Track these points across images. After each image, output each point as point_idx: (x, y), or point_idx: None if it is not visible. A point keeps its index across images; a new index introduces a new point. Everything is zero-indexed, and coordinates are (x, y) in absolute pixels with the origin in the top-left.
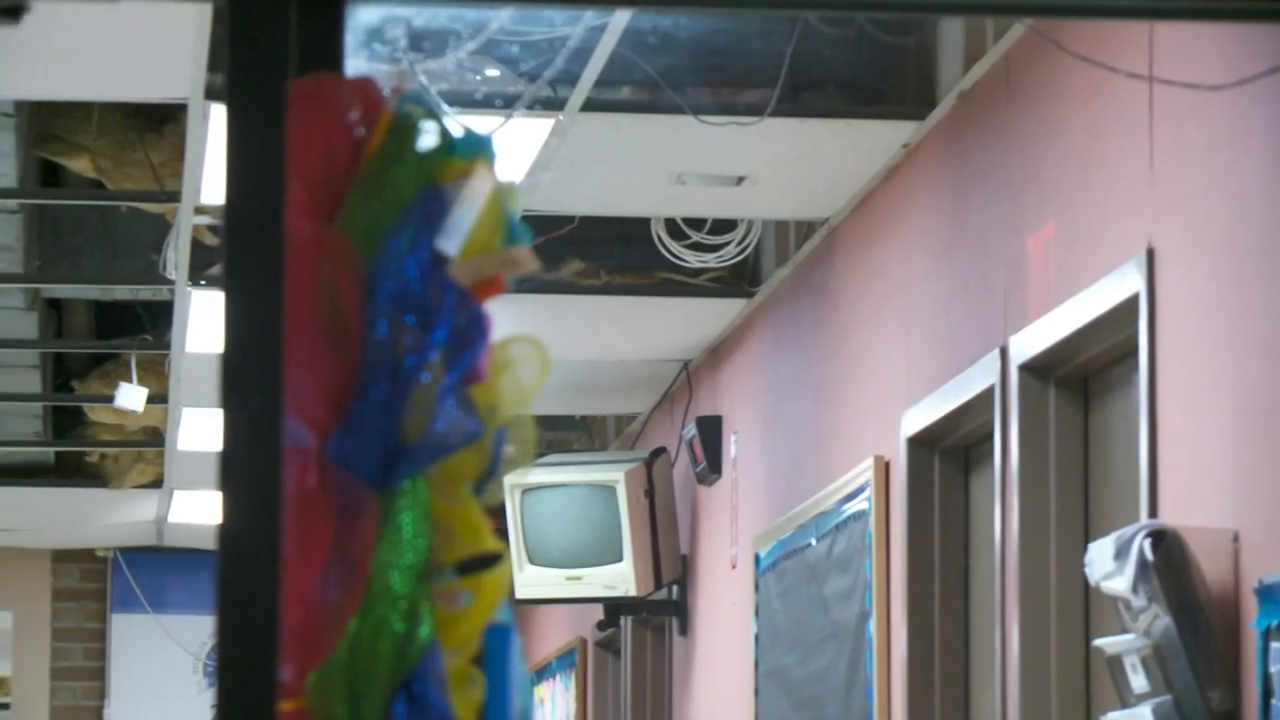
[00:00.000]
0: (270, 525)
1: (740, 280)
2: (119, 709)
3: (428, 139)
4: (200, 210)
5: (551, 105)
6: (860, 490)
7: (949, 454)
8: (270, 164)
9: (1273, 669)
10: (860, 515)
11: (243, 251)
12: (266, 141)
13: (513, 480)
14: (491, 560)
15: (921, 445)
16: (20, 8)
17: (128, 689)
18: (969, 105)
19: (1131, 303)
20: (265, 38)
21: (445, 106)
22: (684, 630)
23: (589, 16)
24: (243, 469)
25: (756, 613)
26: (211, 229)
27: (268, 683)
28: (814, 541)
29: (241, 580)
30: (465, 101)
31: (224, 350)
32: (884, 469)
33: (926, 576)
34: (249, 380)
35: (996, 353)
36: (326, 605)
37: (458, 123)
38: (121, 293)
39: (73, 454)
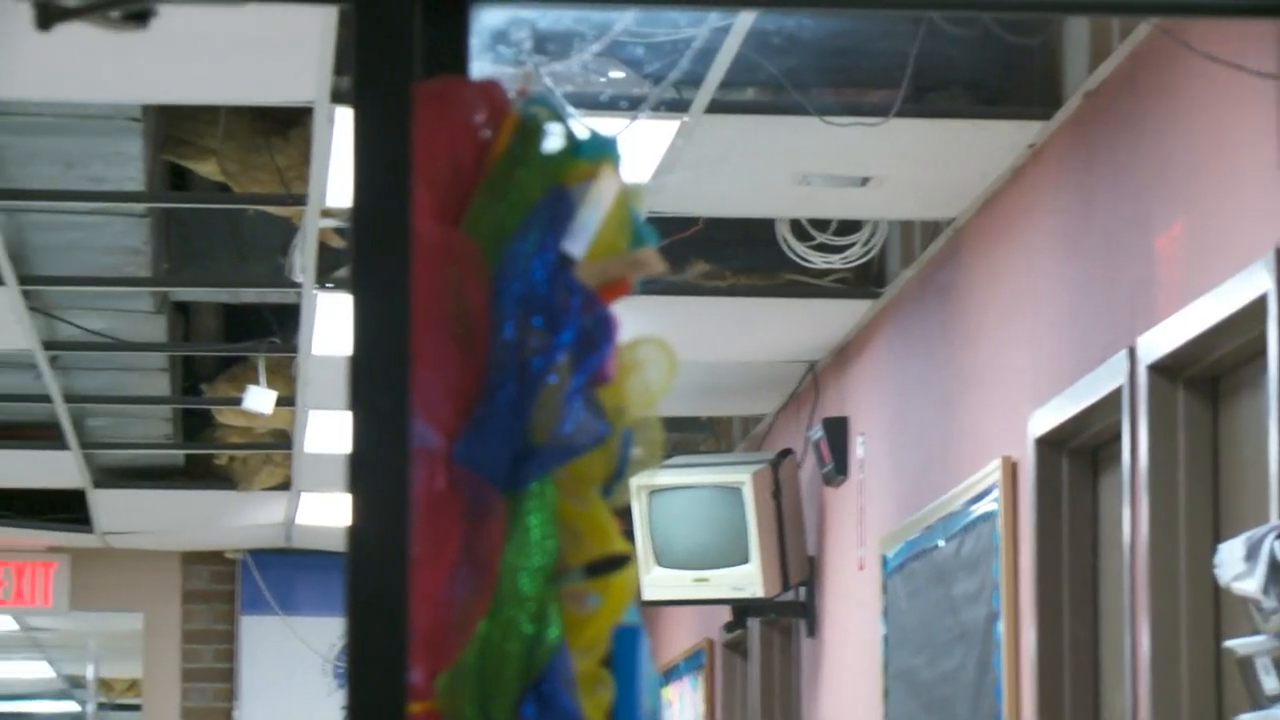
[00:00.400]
0: (399, 527)
1: (866, 281)
2: (249, 710)
3: (553, 141)
4: (326, 213)
5: (676, 107)
6: (988, 491)
7: (1077, 455)
8: (397, 167)
9: None
10: (988, 516)
11: (370, 254)
12: (393, 144)
13: (640, 482)
14: (620, 562)
15: (1049, 446)
16: (147, 12)
17: (257, 690)
18: (1095, 105)
19: (1260, 302)
20: (391, 41)
21: (570, 109)
22: (812, 632)
23: (713, 18)
24: (371, 471)
25: (885, 614)
26: (337, 232)
27: (398, 684)
28: (942, 543)
29: (371, 582)
30: (590, 103)
31: (352, 353)
32: (1012, 470)
33: (1055, 577)
34: (377, 383)
35: (1125, 353)
36: (455, 607)
37: (583, 125)
38: (249, 296)
39: (202, 457)
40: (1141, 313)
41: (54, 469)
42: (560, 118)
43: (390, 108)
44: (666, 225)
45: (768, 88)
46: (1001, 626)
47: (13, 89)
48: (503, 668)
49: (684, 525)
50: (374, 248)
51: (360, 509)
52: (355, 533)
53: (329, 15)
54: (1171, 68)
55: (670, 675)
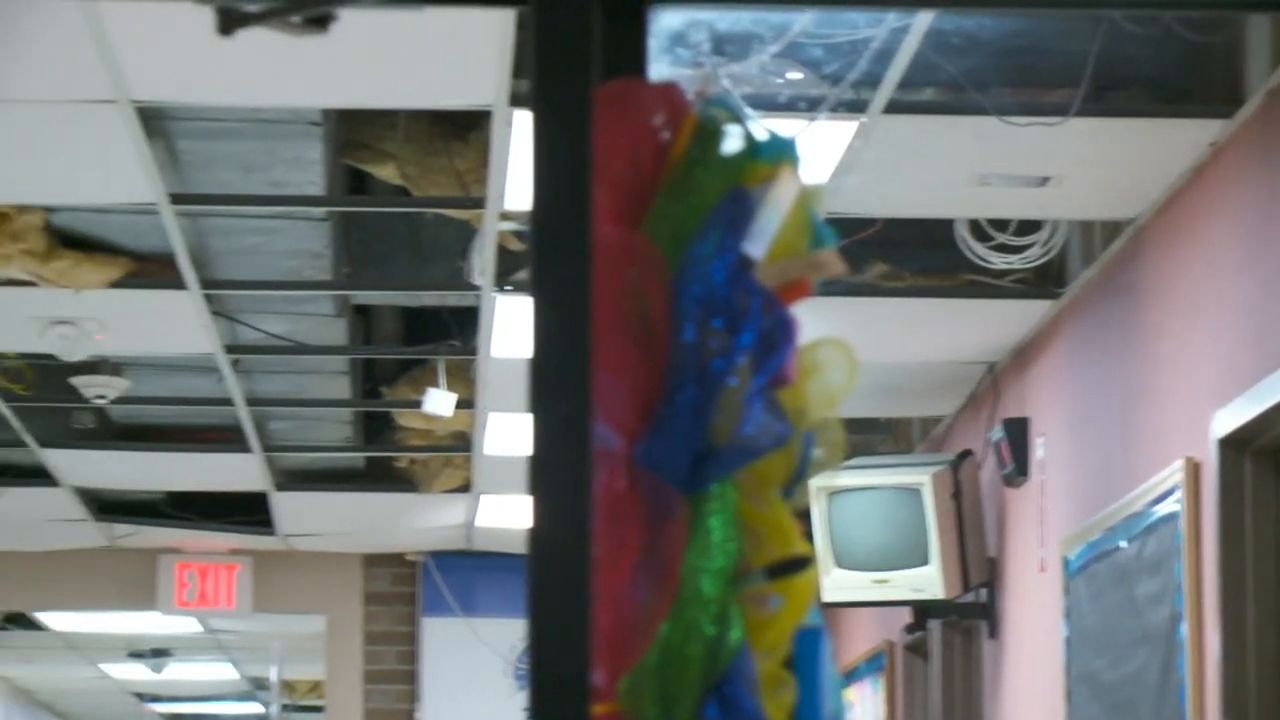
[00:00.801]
0: (580, 529)
1: (1046, 281)
2: (431, 711)
3: (732, 143)
4: (505, 216)
5: (855, 108)
6: (1170, 492)
7: (1261, 455)
8: (577, 169)
9: None
10: (1170, 517)
11: (550, 257)
12: (573, 147)
13: (819, 483)
14: (801, 563)
15: (1233, 447)
16: (327, 17)
17: (439, 692)
18: (1278, 103)
19: None
20: (570, 43)
21: (749, 110)
22: (993, 633)
23: (892, 18)
24: (552, 473)
25: (1067, 616)
26: (517, 235)
27: (581, 686)
28: (1124, 544)
29: (553, 584)
30: (769, 105)
31: (532, 355)
32: (1194, 471)
33: (1239, 579)
34: (558, 385)
35: None
36: (637, 609)
37: (762, 126)
38: (429, 298)
39: (382, 459)
40: None
41: (236, 472)
42: (739, 119)
43: (570, 110)
44: (845, 226)
45: (946, 88)
46: (1185, 628)
47: (194, 94)
48: (685, 669)
49: (864, 527)
50: (554, 250)
51: (542, 511)
52: (537, 535)
53: (507, 18)
54: None
55: (851, 677)
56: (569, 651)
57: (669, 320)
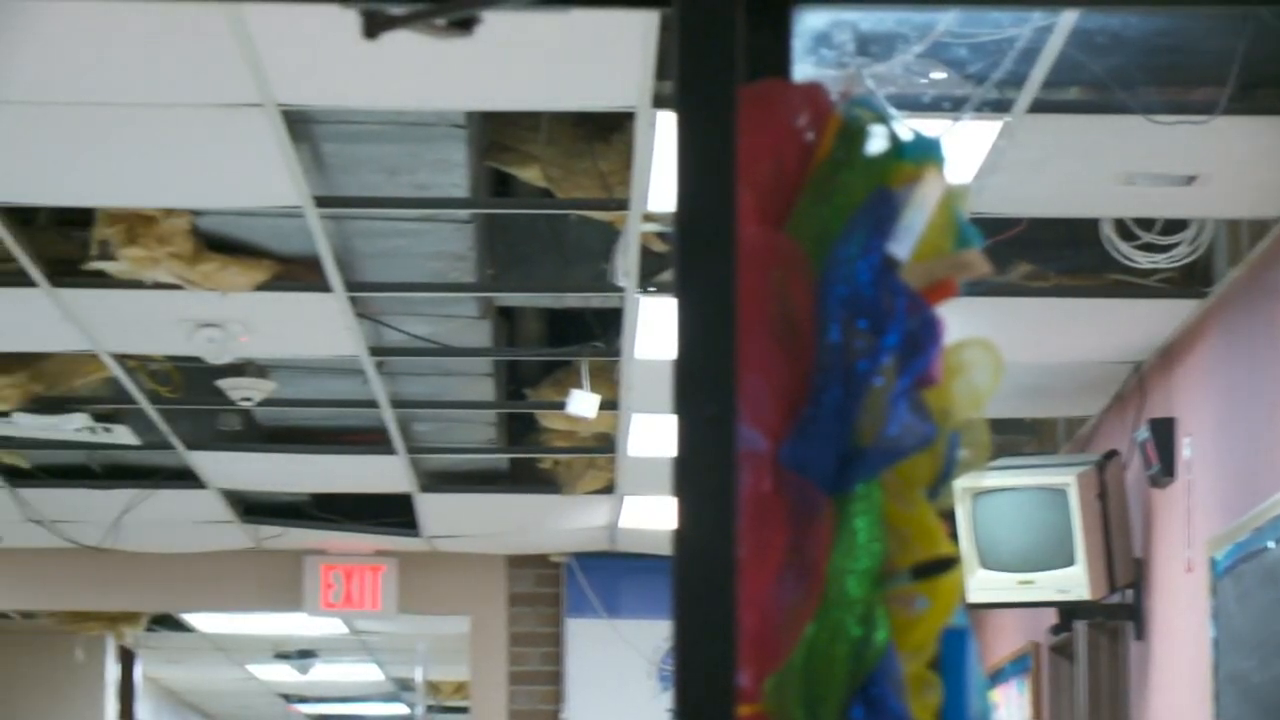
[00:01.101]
0: (726, 531)
1: (1192, 280)
2: (575, 712)
3: (877, 143)
4: (648, 217)
5: (999, 107)
6: None
7: None
8: (721, 170)
9: None
10: None
11: (694, 258)
12: (717, 148)
13: (964, 484)
14: (947, 564)
15: None
16: (472, 19)
17: (583, 693)
18: None
19: None
20: (714, 44)
21: (893, 110)
22: (1140, 634)
23: (1037, 17)
24: (697, 475)
25: (1214, 617)
26: (660, 236)
27: (726, 687)
28: (1272, 544)
29: (698, 585)
30: (913, 105)
31: (677, 356)
32: None
33: None
34: (703, 386)
35: None
36: (783, 610)
37: (906, 126)
38: (572, 300)
39: (526, 461)
40: None
41: (381, 473)
42: (884, 120)
43: (714, 111)
44: (990, 226)
45: (1091, 87)
46: None
47: (338, 97)
48: (830, 670)
49: (1009, 527)
50: (699, 251)
51: (686, 512)
52: (681, 536)
53: (650, 20)
54: None
55: (996, 678)
56: (714, 653)
57: (814, 321)
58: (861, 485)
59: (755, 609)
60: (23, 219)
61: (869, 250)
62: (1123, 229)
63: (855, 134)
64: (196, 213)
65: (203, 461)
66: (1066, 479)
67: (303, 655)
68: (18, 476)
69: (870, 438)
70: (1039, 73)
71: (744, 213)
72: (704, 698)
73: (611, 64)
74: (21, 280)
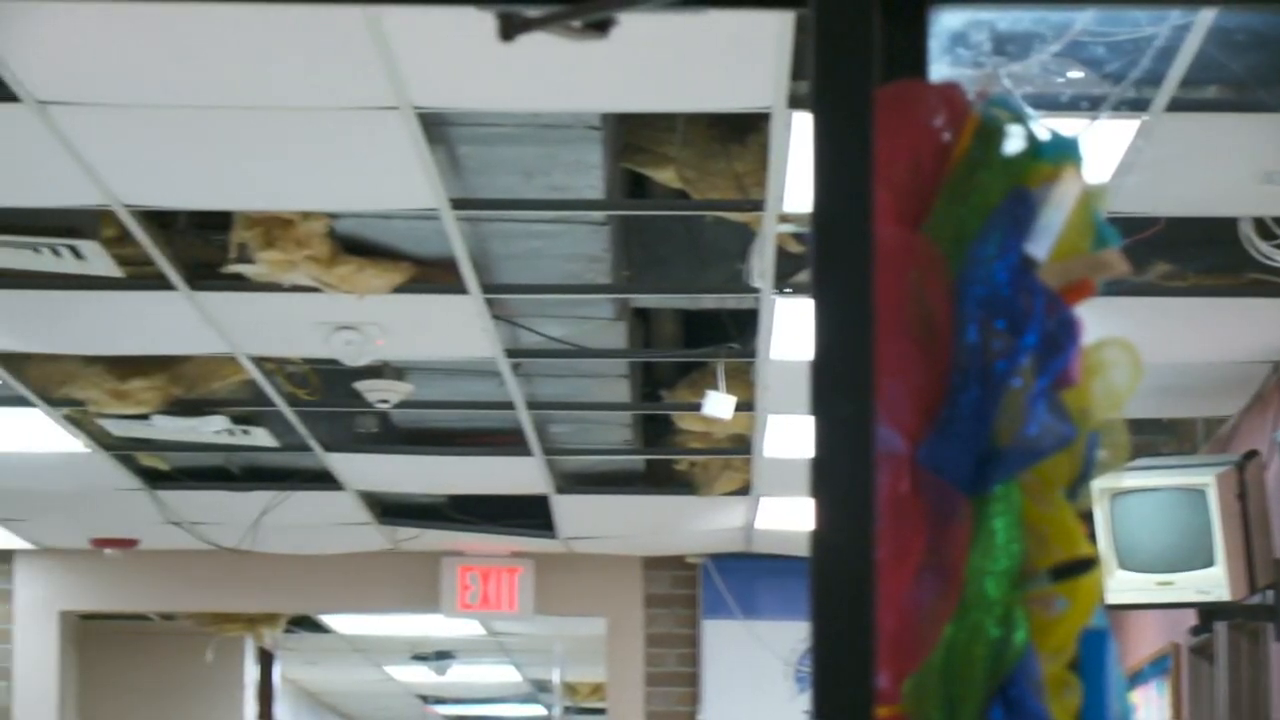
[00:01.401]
0: (863, 531)
1: None
2: (712, 714)
3: (1014, 143)
4: (784, 218)
5: (1137, 106)
6: None
7: None
8: (858, 171)
9: None
10: None
11: (831, 259)
12: (854, 148)
13: (1102, 484)
14: (1086, 565)
15: None
16: (608, 21)
17: (720, 694)
18: None
19: None
20: (850, 45)
21: (1030, 110)
22: None
23: (1174, 15)
24: (835, 476)
25: None
26: (796, 237)
27: (865, 688)
28: None
29: (836, 586)
30: (1049, 104)
31: (814, 357)
32: None
33: None
34: (840, 387)
35: None
36: (921, 611)
37: (1044, 126)
38: (707, 301)
39: (662, 462)
40: None
41: (517, 475)
42: (1021, 119)
43: (850, 112)
44: (1127, 226)
45: (1230, 85)
46: None
47: (475, 100)
48: (969, 671)
49: (1147, 528)
50: (835, 252)
51: (824, 513)
52: (819, 537)
53: (786, 20)
54: None
55: (1135, 680)
56: (853, 654)
57: (951, 321)
58: (1000, 486)
59: (894, 610)
60: (162, 223)
61: (1006, 250)
62: (1261, 228)
63: (992, 134)
64: (333, 215)
65: (340, 463)
66: (1206, 479)
67: (440, 656)
68: (157, 479)
69: (1008, 438)
70: (1177, 71)
71: (881, 213)
72: (843, 699)
73: (747, 65)
74: (161, 283)
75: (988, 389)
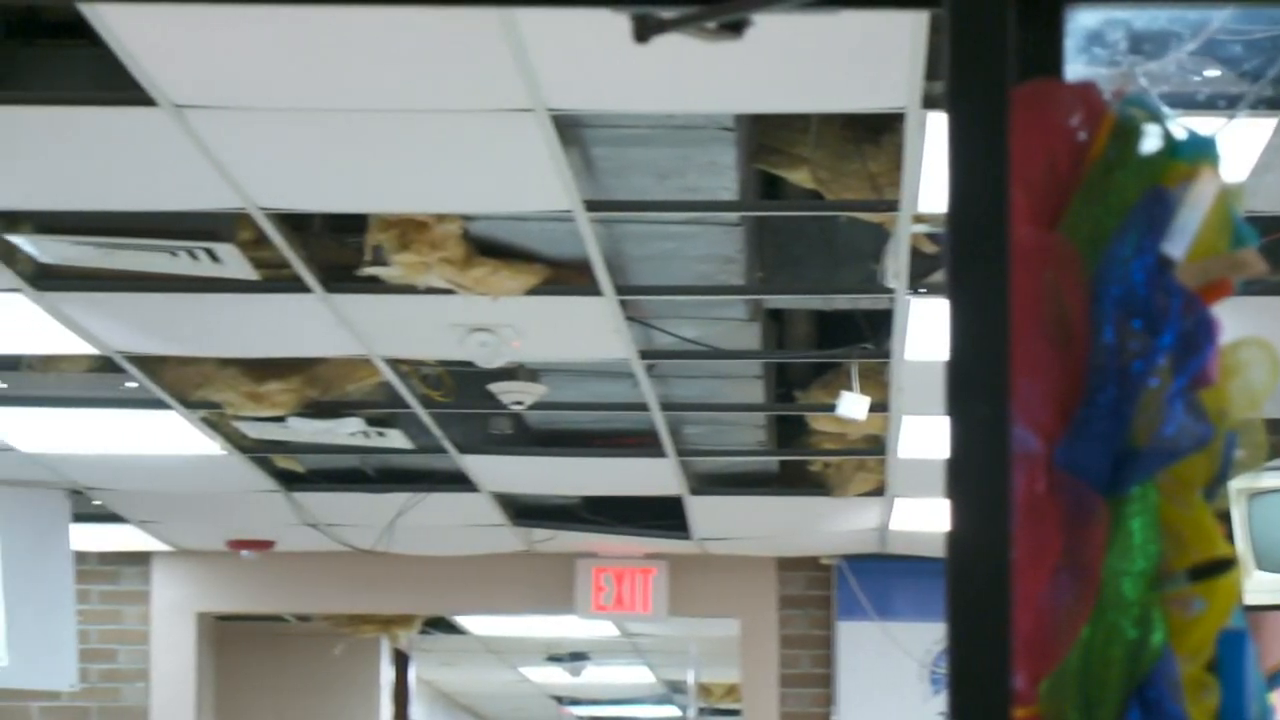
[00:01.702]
0: (1000, 532)
1: None
2: (846, 715)
3: (1151, 142)
4: (918, 219)
5: (1274, 104)
6: None
7: None
8: (993, 171)
9: None
10: None
11: (967, 259)
12: (989, 149)
13: (1240, 485)
14: (1224, 565)
15: None
16: (743, 22)
17: (854, 695)
18: None
19: None
20: (985, 45)
21: (1167, 109)
22: None
23: None
24: (971, 476)
25: None
26: (930, 237)
27: (1002, 689)
28: None
29: (972, 587)
30: (1186, 103)
31: (949, 358)
32: None
33: None
34: (976, 387)
35: None
36: (1058, 612)
37: (1180, 125)
38: (841, 302)
39: (796, 463)
40: None
41: (651, 476)
42: (1158, 118)
43: (986, 112)
44: (1265, 225)
45: None
46: None
47: (609, 101)
48: (1106, 673)
49: None
50: (971, 252)
51: (960, 514)
52: (955, 538)
53: (920, 20)
54: None
55: (1274, 681)
56: (989, 655)
57: (1087, 321)
58: (1137, 486)
59: (1030, 611)
60: (298, 225)
61: (1143, 250)
62: None
63: (1129, 133)
64: (468, 218)
65: (475, 465)
66: None
67: (575, 657)
68: (293, 480)
69: (1145, 438)
70: None
71: (1017, 213)
72: (979, 700)
73: (881, 65)
74: (297, 286)
75: (1124, 389)
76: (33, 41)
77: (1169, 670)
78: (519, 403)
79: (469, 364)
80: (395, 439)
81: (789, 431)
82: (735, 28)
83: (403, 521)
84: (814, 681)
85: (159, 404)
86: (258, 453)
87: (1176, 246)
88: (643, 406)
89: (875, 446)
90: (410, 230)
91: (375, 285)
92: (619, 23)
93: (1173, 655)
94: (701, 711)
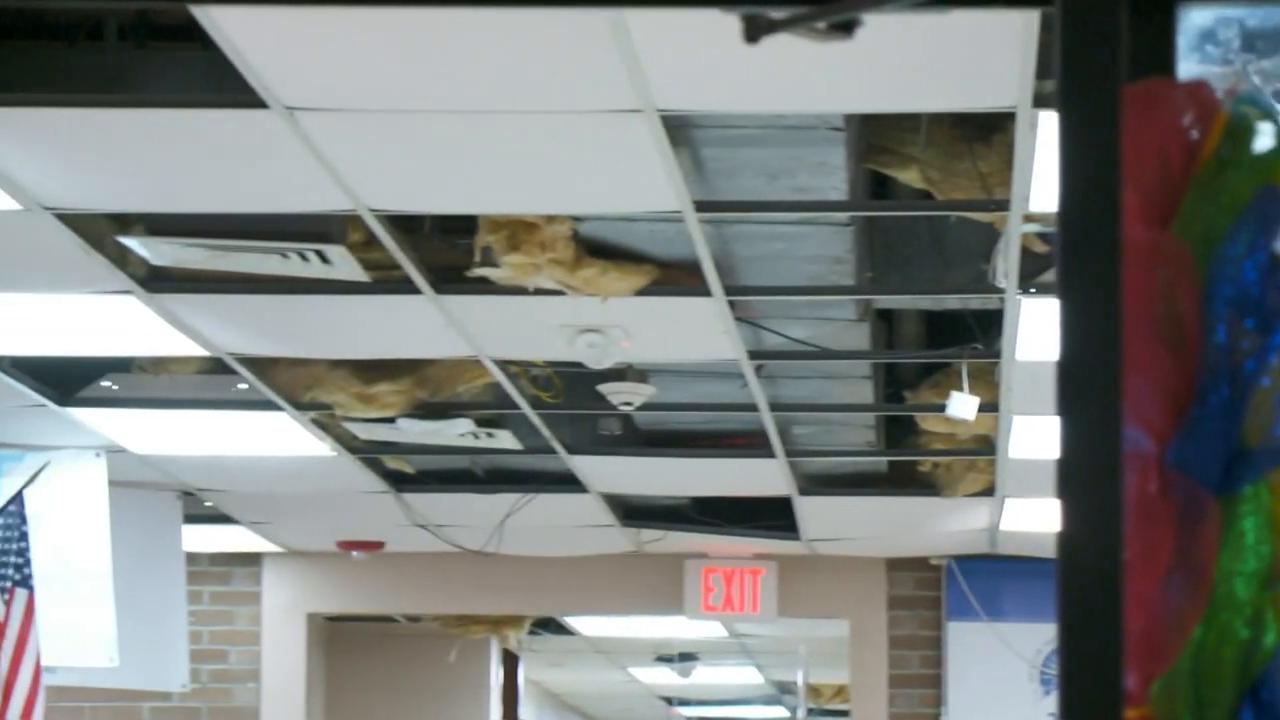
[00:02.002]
0: (1111, 533)
1: None
2: (956, 716)
3: (1264, 140)
4: (1029, 218)
5: None
6: None
7: None
8: (1105, 170)
9: None
10: None
11: (1078, 258)
12: (1101, 148)
13: None
14: None
15: None
16: (853, 21)
17: (964, 697)
18: None
19: None
20: (1097, 44)
21: None
22: None
23: None
24: (1082, 477)
25: None
26: (1041, 236)
27: (1113, 690)
28: None
29: (1084, 588)
30: None
31: (1060, 358)
32: None
33: None
34: (1087, 387)
35: None
36: (1170, 612)
37: None
38: (951, 302)
39: (905, 463)
40: None
41: (760, 477)
42: (1271, 116)
43: (1098, 111)
44: None
45: None
46: None
47: (719, 102)
48: (1218, 673)
49: None
50: (1083, 252)
51: (1071, 514)
52: (1067, 538)
53: (1031, 19)
54: None
55: None
56: (1101, 655)
57: (1200, 321)
58: (1249, 486)
59: (1142, 611)
60: (408, 227)
61: (1256, 249)
62: None
63: (1242, 132)
64: (577, 219)
65: (584, 466)
66: None
67: (684, 658)
68: (403, 481)
69: (1258, 438)
70: None
71: (1129, 213)
72: (1091, 701)
73: (991, 64)
74: (406, 287)
75: (1236, 389)
76: (145, 44)
77: None
78: (628, 403)
79: (578, 365)
80: (504, 440)
81: (898, 432)
82: (846, 28)
83: (512, 522)
84: (923, 682)
85: (270, 405)
86: (368, 453)
87: None
88: (751, 407)
89: (985, 447)
90: (520, 231)
91: (485, 286)
92: (729, 23)
93: None
94: (810, 712)
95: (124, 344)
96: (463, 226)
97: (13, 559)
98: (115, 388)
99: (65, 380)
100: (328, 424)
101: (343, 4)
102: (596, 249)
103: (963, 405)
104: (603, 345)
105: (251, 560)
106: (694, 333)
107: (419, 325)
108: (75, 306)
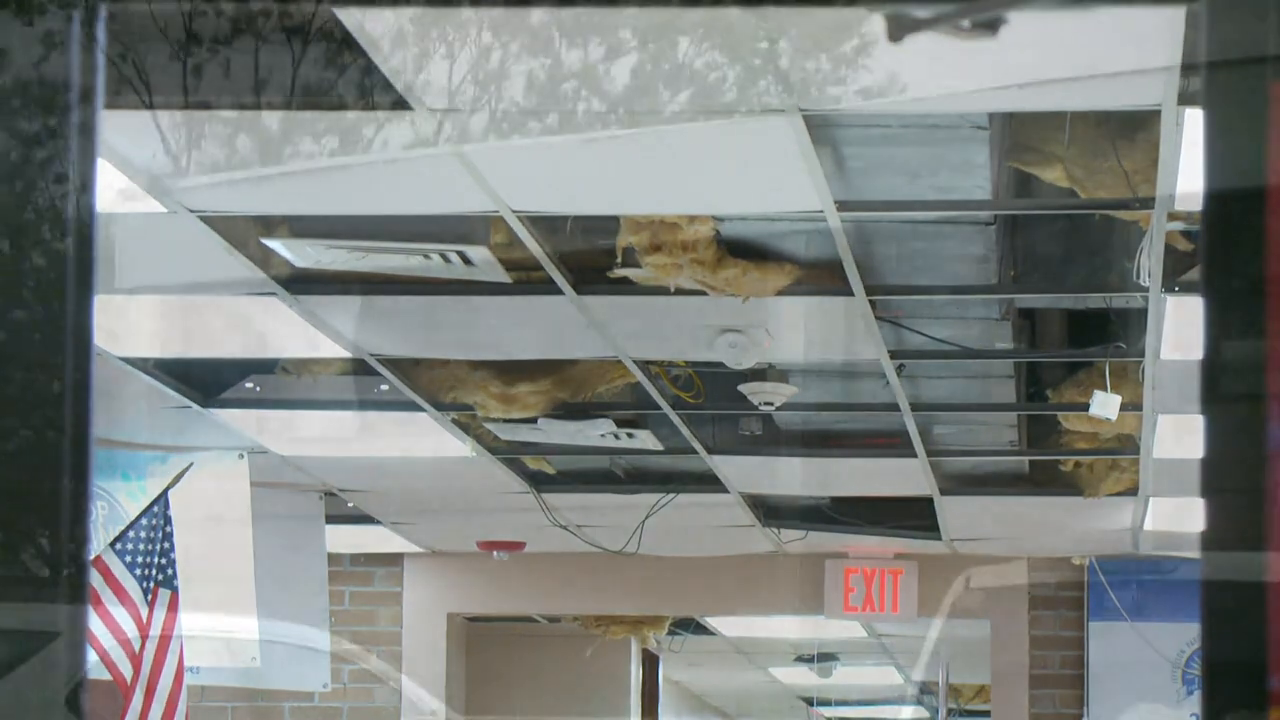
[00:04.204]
0: (1256, 532)
1: None
2: (1098, 716)
3: None
4: (1174, 216)
5: None
6: None
7: None
8: (1251, 168)
9: None
10: None
11: (1223, 256)
12: (1247, 145)
13: None
14: None
15: None
16: (998, 20)
17: (1105, 697)
18: None
19: None
20: (1244, 41)
21: None
22: None
23: None
24: (1228, 476)
25: None
26: (1185, 234)
27: (1258, 691)
28: None
29: (1228, 588)
30: None
31: (1205, 356)
32: None
33: None
34: (1232, 385)
35: None
36: None
37: None
38: (1094, 301)
39: (1047, 463)
40: None
41: (901, 477)
42: None
43: (1244, 108)
44: None
45: None
46: None
47: (862, 101)
48: None
49: None
50: (1227, 249)
51: (1216, 514)
52: (1211, 537)
53: (1177, 16)
54: None
55: None
56: (1246, 656)
57: None
58: None
59: None
60: (550, 228)
61: None
62: None
63: None
64: (719, 219)
65: (724, 466)
66: None
67: (824, 658)
68: (544, 482)
69: None
70: None
71: (1274, 210)
72: (1234, 702)
73: (1136, 62)
74: (548, 288)
75: None
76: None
77: None
78: (769, 404)
79: (719, 365)
80: (645, 440)
81: (1040, 431)
82: (989, 26)
83: (652, 523)
84: (1065, 682)
85: (412, 406)
86: (508, 454)
87: None
88: (893, 407)
89: (1128, 446)
90: (661, 232)
91: (626, 287)
92: (873, 22)
93: None
94: (950, 712)
95: (267, 346)
96: (604, 227)
97: (157, 559)
98: (258, 389)
99: (209, 382)
100: (469, 424)
101: (485, 5)
102: (737, 249)
103: (1105, 404)
104: (744, 345)
105: (393, 561)
106: (835, 332)
107: (560, 326)
108: (219, 309)
